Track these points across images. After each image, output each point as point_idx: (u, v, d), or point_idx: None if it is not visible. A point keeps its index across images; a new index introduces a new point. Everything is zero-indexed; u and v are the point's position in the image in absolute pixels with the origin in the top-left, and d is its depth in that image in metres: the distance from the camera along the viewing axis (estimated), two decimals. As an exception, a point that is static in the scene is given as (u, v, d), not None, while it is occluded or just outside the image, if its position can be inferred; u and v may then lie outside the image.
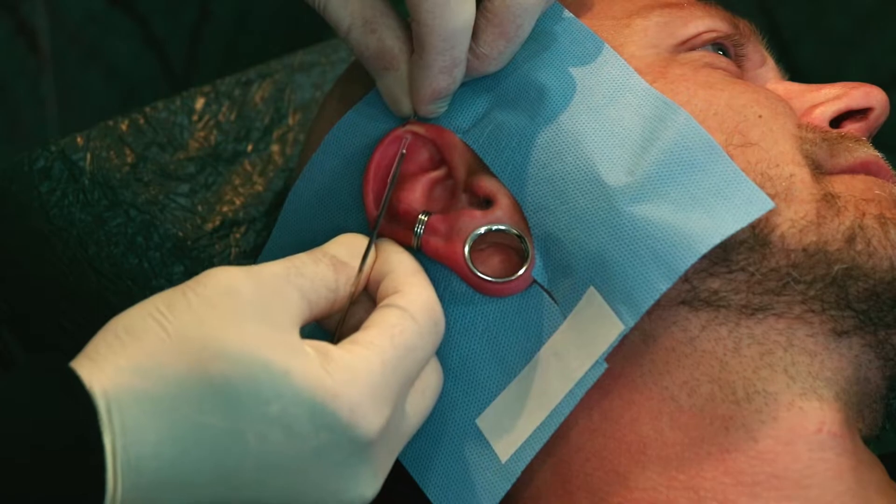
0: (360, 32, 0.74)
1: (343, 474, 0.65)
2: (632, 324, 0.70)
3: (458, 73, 0.73)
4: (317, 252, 0.70)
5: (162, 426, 0.62)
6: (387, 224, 0.75)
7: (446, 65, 0.72)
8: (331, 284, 0.68)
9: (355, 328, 0.68)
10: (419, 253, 0.75)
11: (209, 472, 0.63)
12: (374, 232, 0.73)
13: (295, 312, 0.66)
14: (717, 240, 0.70)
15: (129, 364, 0.62)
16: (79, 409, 0.61)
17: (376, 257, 0.72)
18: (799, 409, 0.73)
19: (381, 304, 0.69)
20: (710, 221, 0.71)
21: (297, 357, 0.64)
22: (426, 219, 0.74)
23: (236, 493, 0.64)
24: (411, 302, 0.69)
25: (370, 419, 0.64)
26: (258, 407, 0.63)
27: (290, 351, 0.64)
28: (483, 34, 0.73)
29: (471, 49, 0.73)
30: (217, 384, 0.62)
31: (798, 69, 1.22)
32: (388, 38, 0.74)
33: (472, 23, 0.72)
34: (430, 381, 0.70)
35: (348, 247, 0.71)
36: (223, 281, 0.65)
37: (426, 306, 0.69)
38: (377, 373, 0.65)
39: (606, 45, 0.76)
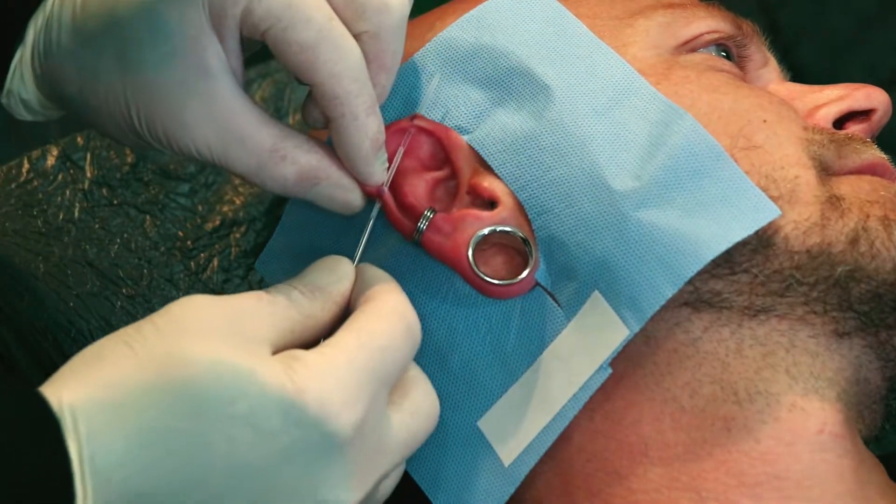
0: (271, 165, 0.71)
1: (316, 474, 0.63)
2: (637, 329, 0.70)
3: (378, 115, 0.71)
4: (293, 281, 0.68)
5: (129, 433, 0.61)
6: (391, 213, 0.75)
7: (368, 104, 0.70)
8: (306, 311, 0.67)
9: None
10: (419, 248, 0.75)
11: (179, 479, 0.61)
12: (372, 222, 0.73)
13: (264, 336, 0.65)
14: (723, 247, 0.70)
15: (94, 379, 0.61)
16: (43, 423, 0.60)
17: (356, 278, 0.70)
18: (801, 410, 0.73)
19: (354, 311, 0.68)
20: (716, 228, 0.71)
21: (263, 359, 0.63)
22: (431, 215, 0.74)
23: (210, 502, 0.62)
24: (381, 306, 0.67)
25: (340, 413, 0.63)
26: (224, 407, 0.62)
27: (255, 355, 0.63)
28: None
29: None
30: (182, 388, 0.61)
31: (798, 69, 1.22)
32: (302, 156, 0.71)
33: (362, 54, 0.70)
34: (420, 404, 0.68)
35: (328, 270, 0.69)
36: (192, 305, 0.64)
37: (396, 310, 0.68)
38: (343, 369, 0.64)
39: (610, 49, 0.76)
